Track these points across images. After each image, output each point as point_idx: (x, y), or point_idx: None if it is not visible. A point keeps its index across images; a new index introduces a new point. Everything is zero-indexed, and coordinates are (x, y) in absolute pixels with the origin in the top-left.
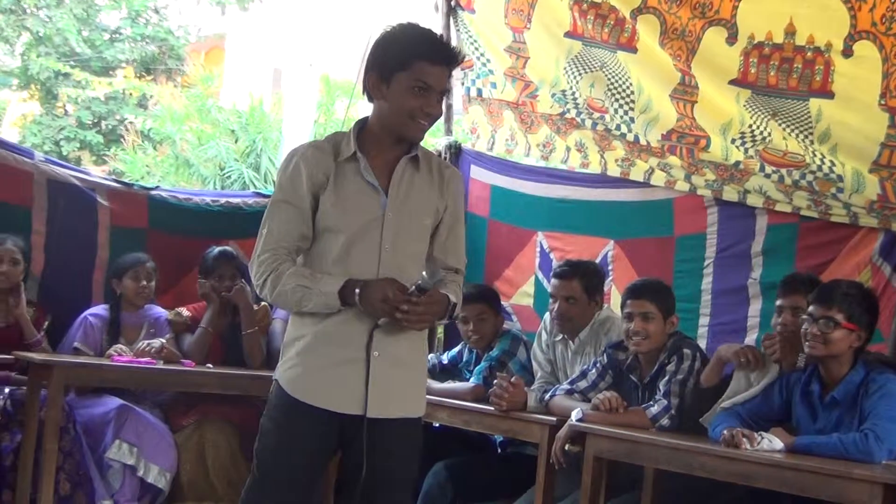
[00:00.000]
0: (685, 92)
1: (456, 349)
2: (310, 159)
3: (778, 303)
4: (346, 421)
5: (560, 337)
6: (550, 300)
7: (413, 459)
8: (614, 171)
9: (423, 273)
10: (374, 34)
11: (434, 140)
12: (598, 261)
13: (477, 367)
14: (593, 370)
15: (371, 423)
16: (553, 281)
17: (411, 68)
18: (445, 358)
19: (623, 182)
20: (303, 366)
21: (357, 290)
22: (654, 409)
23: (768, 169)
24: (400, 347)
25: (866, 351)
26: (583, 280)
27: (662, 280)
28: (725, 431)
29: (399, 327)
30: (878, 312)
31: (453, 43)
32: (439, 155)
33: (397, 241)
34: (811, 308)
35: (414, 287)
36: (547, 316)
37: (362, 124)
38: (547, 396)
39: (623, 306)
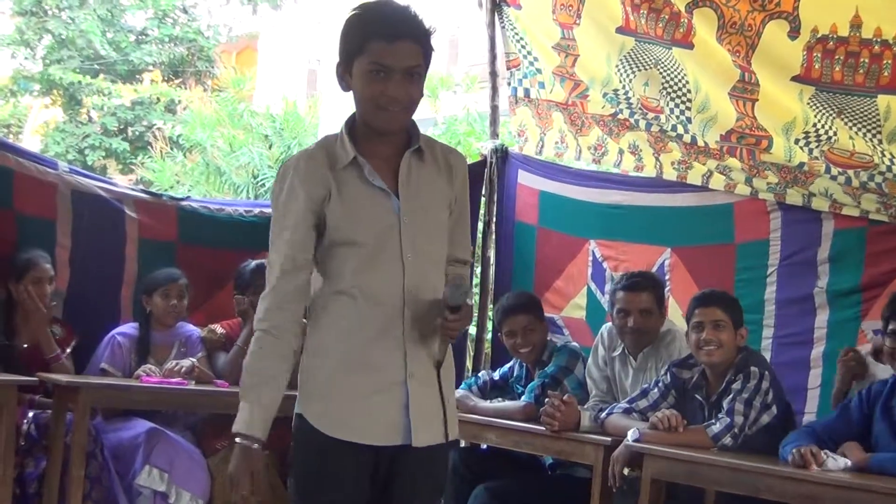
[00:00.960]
0: (745, 90)
1: (507, 365)
2: (305, 175)
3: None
4: (386, 453)
5: (619, 352)
6: (617, 314)
7: (443, 483)
8: (670, 174)
9: (449, 282)
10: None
11: (479, 144)
12: (654, 270)
13: (529, 384)
14: (655, 389)
15: (408, 451)
16: (623, 294)
17: (367, 50)
18: (497, 374)
19: (680, 186)
20: (331, 397)
21: (240, 449)
22: (716, 428)
23: (834, 170)
24: (427, 366)
25: None
26: (655, 291)
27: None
28: (794, 451)
29: (427, 347)
30: None
31: (419, 17)
32: (485, 160)
33: (418, 246)
34: (893, 325)
35: (445, 306)
36: (604, 329)
37: (352, 122)
38: (603, 415)
39: (690, 317)
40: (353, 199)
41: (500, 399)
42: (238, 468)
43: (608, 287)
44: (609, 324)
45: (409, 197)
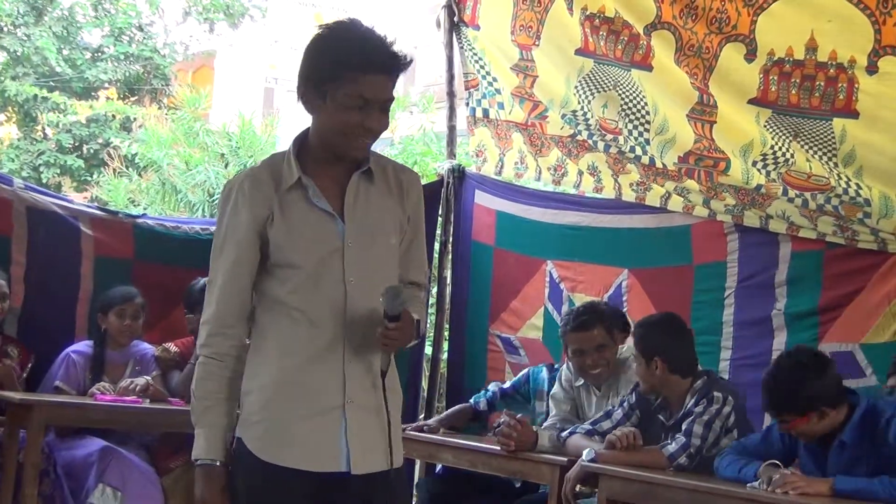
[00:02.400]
0: (703, 112)
1: (521, 375)
2: (248, 195)
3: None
4: (325, 480)
5: (582, 383)
6: (574, 355)
7: None
8: (629, 196)
9: (385, 291)
10: (309, 37)
11: (436, 164)
12: (611, 292)
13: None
14: (619, 410)
15: (349, 479)
16: (575, 335)
17: (345, 80)
18: (507, 384)
19: (637, 207)
20: (269, 421)
21: (206, 473)
22: (672, 448)
23: (791, 193)
24: (369, 392)
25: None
26: (604, 323)
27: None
28: (762, 469)
29: (370, 372)
30: None
31: (398, 48)
32: (442, 180)
33: (363, 271)
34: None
35: (384, 316)
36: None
37: (301, 140)
38: (564, 434)
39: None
40: (297, 221)
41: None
42: (207, 490)
43: (565, 308)
44: None
45: (355, 220)
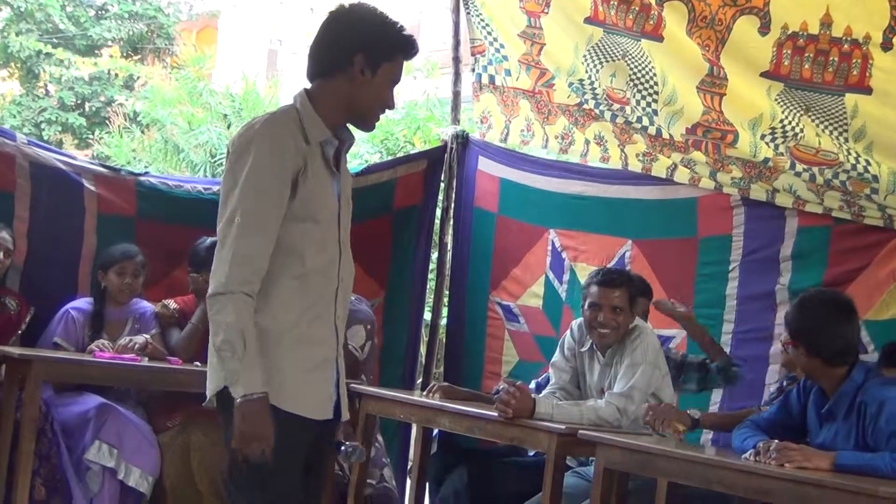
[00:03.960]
0: (713, 84)
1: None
2: (285, 143)
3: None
4: (319, 426)
5: (587, 347)
6: (589, 308)
7: None
8: (635, 166)
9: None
10: (342, 9)
11: (440, 129)
12: (614, 262)
13: None
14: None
15: (328, 425)
16: (597, 289)
17: (395, 61)
18: (533, 383)
19: (643, 178)
20: (282, 370)
21: (260, 406)
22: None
23: (799, 167)
24: (341, 347)
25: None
26: (629, 289)
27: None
28: (762, 444)
29: (343, 326)
30: None
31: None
32: (445, 146)
33: (345, 232)
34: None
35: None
36: (574, 324)
37: (310, 102)
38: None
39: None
40: (318, 177)
41: None
42: (262, 422)
43: (566, 277)
44: (581, 318)
45: (343, 184)
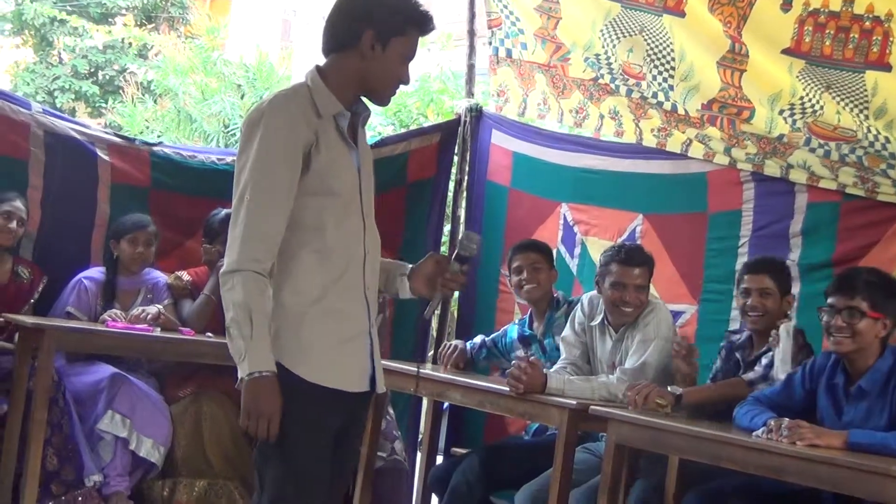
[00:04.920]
0: (734, 60)
1: (500, 331)
2: (295, 118)
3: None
4: (353, 398)
5: (598, 321)
6: (612, 287)
7: None
8: (650, 141)
9: (466, 235)
10: None
11: (454, 102)
12: (625, 236)
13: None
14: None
15: (364, 397)
16: (620, 268)
17: (408, 36)
18: (490, 338)
19: (654, 153)
20: (312, 346)
21: (266, 383)
22: (751, 375)
23: (814, 143)
24: (374, 318)
25: None
26: (649, 267)
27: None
28: (773, 421)
29: (375, 297)
30: None
31: None
32: (459, 119)
33: (369, 204)
34: (832, 299)
35: (455, 259)
36: (584, 297)
37: (322, 76)
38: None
39: (740, 281)
40: (334, 150)
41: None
42: (268, 400)
43: (577, 251)
44: (592, 292)
45: (362, 156)
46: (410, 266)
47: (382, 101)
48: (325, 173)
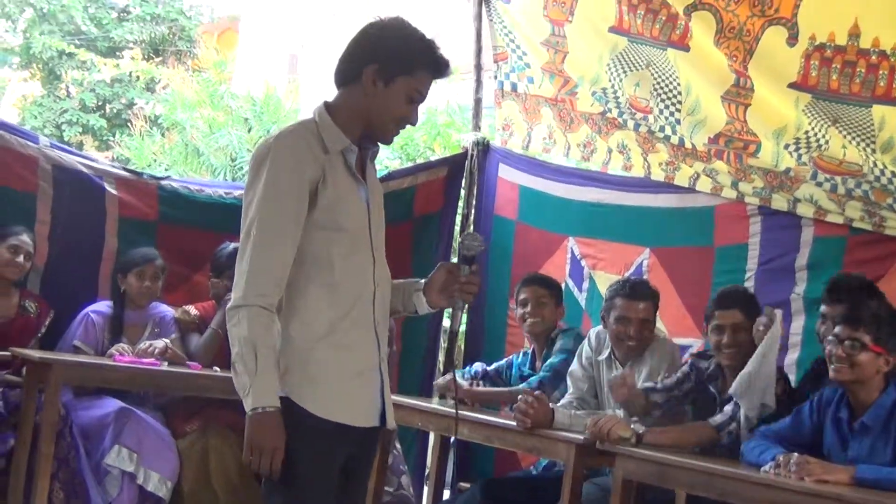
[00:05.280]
0: (739, 94)
1: (505, 359)
2: (302, 153)
3: (822, 309)
4: (361, 433)
5: (605, 356)
6: (616, 321)
7: None
8: (658, 175)
9: (464, 235)
10: (368, 20)
11: (461, 136)
12: (632, 270)
13: (535, 377)
14: (679, 372)
15: (372, 433)
16: (624, 302)
17: (415, 76)
18: (492, 367)
19: (661, 187)
20: (319, 380)
21: (269, 418)
22: (719, 418)
23: (821, 177)
24: (384, 353)
25: None
26: (654, 300)
27: (747, 288)
28: (782, 457)
29: (385, 331)
30: None
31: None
32: (466, 153)
33: (378, 238)
34: (837, 329)
35: (466, 266)
36: (592, 332)
37: (329, 112)
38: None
39: (710, 317)
40: (341, 185)
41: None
42: (271, 435)
43: (586, 285)
44: (599, 327)
45: (371, 191)
46: (423, 281)
47: (384, 139)
48: (333, 208)
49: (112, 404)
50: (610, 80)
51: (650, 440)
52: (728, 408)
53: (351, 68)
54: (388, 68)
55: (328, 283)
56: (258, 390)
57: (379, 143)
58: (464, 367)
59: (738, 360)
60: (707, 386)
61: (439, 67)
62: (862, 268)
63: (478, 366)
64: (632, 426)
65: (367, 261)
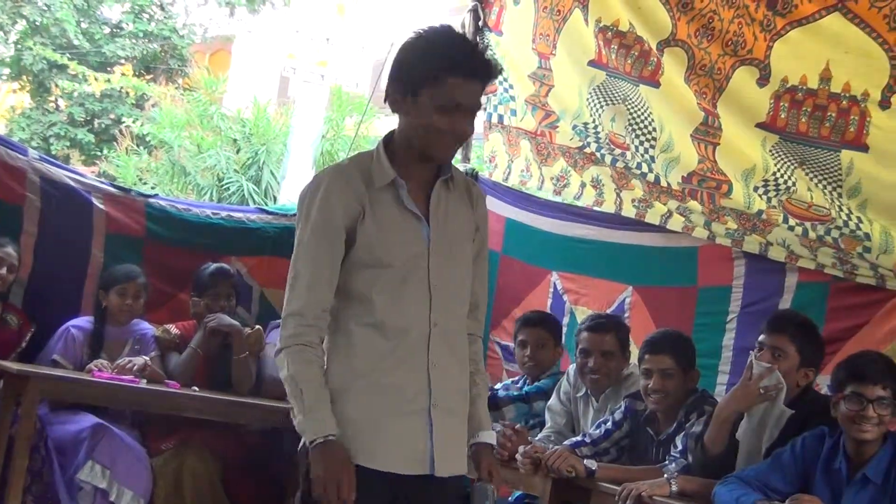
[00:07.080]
0: (707, 132)
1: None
2: (341, 189)
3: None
4: (407, 481)
5: (582, 393)
6: (580, 354)
7: None
8: (629, 211)
9: (476, 488)
10: (400, 40)
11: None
12: (613, 307)
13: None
14: (609, 420)
15: (430, 481)
16: (587, 335)
17: (442, 84)
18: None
19: (646, 225)
20: (358, 423)
21: (326, 449)
22: (672, 468)
23: (792, 221)
24: (453, 396)
25: None
26: (619, 334)
27: (682, 331)
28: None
29: (453, 378)
30: None
31: (489, 55)
32: None
33: (444, 275)
34: (852, 388)
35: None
36: (570, 369)
37: (387, 141)
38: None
39: (641, 361)
40: (387, 221)
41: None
42: (337, 464)
43: (566, 320)
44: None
45: (438, 225)
46: (482, 438)
47: (438, 156)
48: (374, 245)
49: (88, 420)
50: (591, 115)
51: (601, 476)
52: (675, 450)
53: (387, 95)
54: (413, 82)
55: (370, 321)
56: (311, 424)
57: (441, 163)
58: None
59: (665, 405)
60: (645, 428)
61: (473, 68)
62: (844, 314)
63: (498, 385)
64: (584, 462)
65: (421, 299)
